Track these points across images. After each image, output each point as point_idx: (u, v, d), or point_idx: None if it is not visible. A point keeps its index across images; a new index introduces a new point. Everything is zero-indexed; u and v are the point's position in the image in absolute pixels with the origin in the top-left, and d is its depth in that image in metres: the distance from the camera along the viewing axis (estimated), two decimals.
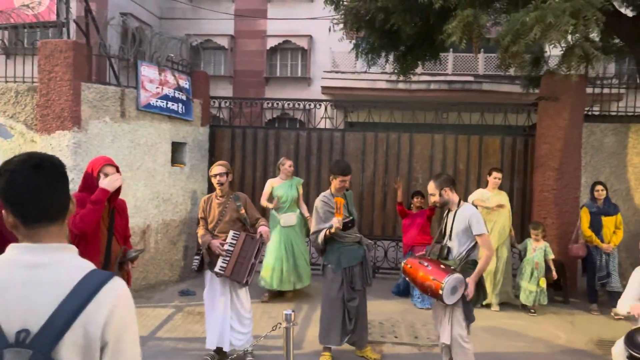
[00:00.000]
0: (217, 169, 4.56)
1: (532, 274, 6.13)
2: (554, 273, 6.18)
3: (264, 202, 6.44)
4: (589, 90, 7.24)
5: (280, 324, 3.13)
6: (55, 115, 5.91)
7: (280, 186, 6.42)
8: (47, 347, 1.20)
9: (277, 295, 6.59)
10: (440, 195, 4.05)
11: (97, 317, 1.25)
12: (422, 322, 5.84)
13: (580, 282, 6.78)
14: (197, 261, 4.61)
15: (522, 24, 5.08)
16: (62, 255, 1.33)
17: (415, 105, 8.34)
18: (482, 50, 13.80)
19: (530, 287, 6.12)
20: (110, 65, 6.94)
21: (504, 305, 6.43)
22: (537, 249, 6.20)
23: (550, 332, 5.64)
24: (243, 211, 4.56)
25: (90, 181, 3.22)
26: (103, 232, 3.26)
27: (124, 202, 3.55)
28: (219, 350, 4.55)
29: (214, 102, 8.14)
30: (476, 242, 3.98)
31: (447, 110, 8.16)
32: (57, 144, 5.92)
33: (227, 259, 4.39)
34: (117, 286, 1.33)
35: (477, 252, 4.06)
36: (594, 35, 5.57)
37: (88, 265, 1.35)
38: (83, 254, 2.83)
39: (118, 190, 3.35)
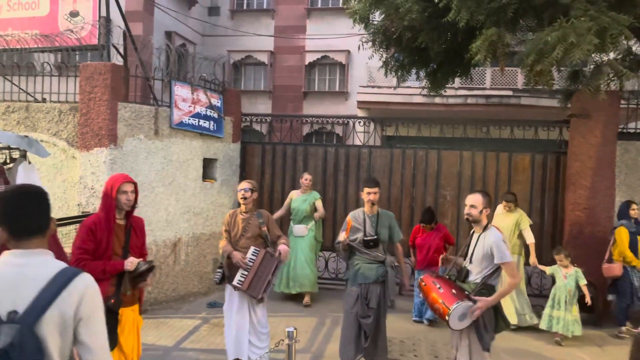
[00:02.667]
0: (243, 184, 4.75)
1: (564, 301, 5.85)
2: (588, 297, 5.88)
3: (277, 214, 7.05)
4: (623, 106, 7.03)
5: (283, 340, 3.22)
6: (94, 133, 6.28)
7: (297, 199, 7.05)
8: (31, 323, 1.62)
9: (289, 298, 7.14)
10: (481, 212, 3.96)
11: (70, 300, 1.69)
12: (443, 341, 5.78)
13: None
14: (219, 274, 4.75)
15: (544, 43, 5.03)
16: (42, 258, 1.77)
17: (449, 120, 8.30)
18: (521, 64, 13.53)
19: (564, 315, 5.83)
20: (148, 85, 7.30)
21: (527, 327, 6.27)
22: (569, 276, 5.92)
23: (576, 356, 5.48)
24: (265, 228, 4.69)
25: (108, 201, 3.33)
26: (116, 252, 3.33)
27: (142, 221, 3.65)
28: None
29: (245, 118, 8.40)
30: (496, 269, 3.89)
31: (478, 125, 8.05)
32: (95, 160, 6.28)
33: (246, 273, 4.53)
34: (85, 279, 1.77)
35: (495, 278, 3.97)
36: (623, 53, 5.44)
37: (61, 265, 1.77)
38: (94, 272, 3.01)
39: (133, 208, 3.48)
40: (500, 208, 6.66)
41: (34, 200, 1.79)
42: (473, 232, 4.11)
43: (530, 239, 6.32)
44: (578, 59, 4.83)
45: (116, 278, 3.29)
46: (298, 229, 7.05)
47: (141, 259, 3.38)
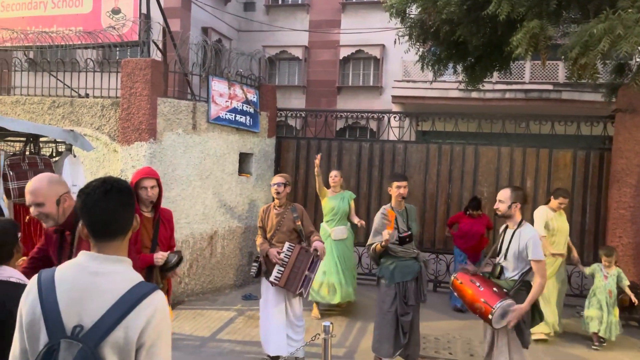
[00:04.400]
0: (276, 178, 4.78)
1: (605, 302, 5.61)
2: (634, 297, 5.63)
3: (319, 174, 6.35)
4: None
5: (319, 335, 3.23)
6: (135, 128, 6.43)
7: (333, 197, 6.36)
8: (94, 343, 1.46)
9: (327, 309, 6.55)
10: (509, 207, 3.91)
11: (136, 324, 1.51)
12: (479, 339, 5.68)
13: None
14: (255, 267, 4.81)
15: (590, 35, 4.87)
16: (118, 267, 1.61)
17: (487, 115, 8.14)
18: (562, 57, 13.16)
19: (606, 317, 5.57)
20: (186, 80, 7.42)
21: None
22: (610, 276, 5.67)
23: (616, 358, 5.31)
24: (299, 223, 4.72)
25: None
26: (145, 245, 3.41)
27: (170, 213, 3.70)
28: (274, 357, 4.73)
29: (280, 113, 8.45)
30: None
31: (517, 120, 7.86)
32: (135, 154, 6.43)
33: (282, 269, 4.56)
34: (155, 300, 1.58)
35: (532, 275, 3.92)
36: None
37: (137, 277, 1.62)
38: None
39: (159, 200, 3.53)
40: (545, 209, 5.72)
41: (117, 198, 1.64)
42: (505, 228, 4.04)
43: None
44: (625, 51, 4.65)
45: (146, 271, 3.36)
46: (339, 231, 6.26)
47: (169, 251, 3.44)
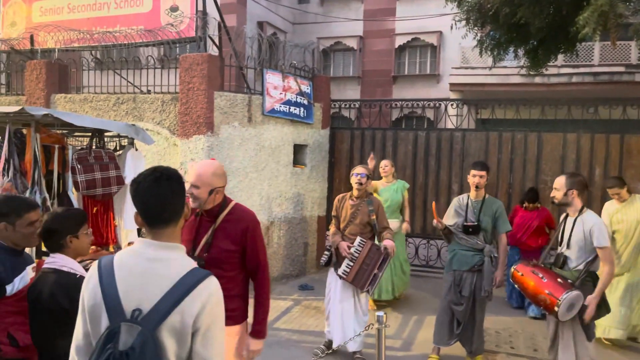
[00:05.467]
0: (359, 169, 4.65)
1: None
2: None
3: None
4: None
5: (373, 324, 3.20)
6: (193, 122, 6.61)
7: (385, 189, 6.23)
8: (152, 326, 1.52)
9: (380, 301, 6.42)
10: (565, 194, 3.74)
11: (192, 309, 1.56)
12: (544, 334, 5.46)
13: None
14: (326, 257, 4.74)
15: None
16: (172, 254, 1.66)
17: (551, 101, 7.75)
18: (634, 36, 12.32)
19: None
20: (241, 74, 7.55)
21: None
22: None
23: None
24: (374, 217, 4.58)
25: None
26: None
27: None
28: (329, 345, 4.74)
29: (334, 104, 8.42)
30: (597, 254, 3.66)
31: (585, 105, 7.44)
32: (194, 147, 6.62)
33: (351, 264, 4.46)
34: (210, 285, 1.63)
35: (597, 264, 3.72)
36: None
37: (190, 264, 1.67)
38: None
39: None
40: (608, 207, 5.29)
41: (167, 185, 1.67)
42: (566, 216, 3.85)
43: None
44: None
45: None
46: (391, 224, 6.00)
47: None
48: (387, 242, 4.46)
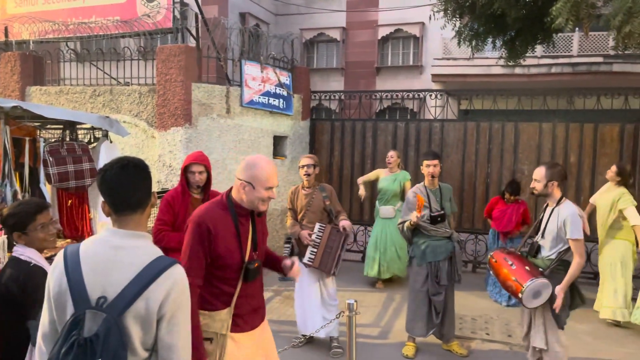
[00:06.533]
0: (304, 160, 4.77)
1: None
2: None
3: (360, 180, 6.80)
4: None
5: (343, 312, 3.24)
6: (171, 113, 6.57)
7: (384, 178, 6.67)
8: (117, 313, 1.55)
9: (385, 282, 6.88)
10: (546, 186, 3.78)
11: (157, 295, 1.59)
12: (518, 320, 5.57)
13: None
14: (287, 249, 4.86)
15: (633, 1, 4.57)
16: (139, 242, 1.69)
17: (527, 91, 7.84)
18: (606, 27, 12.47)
19: None
20: (220, 65, 7.51)
21: None
22: None
23: None
24: (328, 202, 4.72)
25: (181, 178, 3.57)
26: None
27: (219, 194, 3.80)
28: (310, 336, 4.78)
29: (315, 95, 8.42)
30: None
31: (560, 96, 7.53)
32: (172, 139, 6.59)
33: (315, 250, 4.57)
34: (174, 273, 1.65)
35: (571, 254, 3.78)
36: None
37: (156, 252, 1.70)
38: (172, 242, 3.22)
39: (208, 183, 3.64)
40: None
41: (133, 172, 1.71)
42: (546, 206, 3.91)
43: (633, 220, 5.25)
44: None
45: None
46: (385, 210, 6.61)
47: None
48: (344, 222, 4.58)
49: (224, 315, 2.41)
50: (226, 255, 2.36)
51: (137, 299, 1.56)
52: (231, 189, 2.53)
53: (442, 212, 4.52)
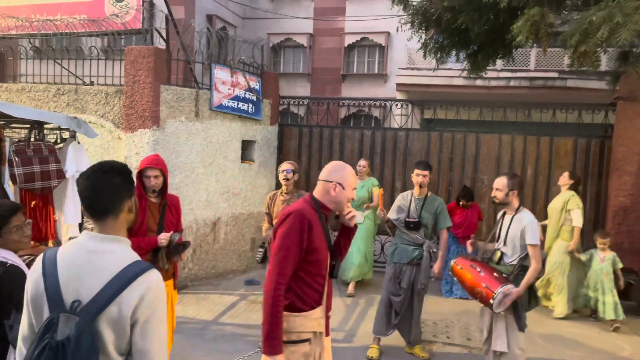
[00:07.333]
0: (285, 165, 4.85)
1: (600, 284, 5.86)
2: (622, 282, 5.88)
3: None
4: None
5: None
6: (138, 115, 6.51)
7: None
8: (90, 317, 1.55)
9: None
10: (507, 195, 3.96)
11: (130, 300, 1.59)
12: (476, 324, 5.78)
13: None
14: (260, 253, 4.90)
15: (589, 23, 4.87)
16: (115, 246, 1.69)
17: (489, 103, 8.15)
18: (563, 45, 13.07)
19: (602, 298, 5.83)
20: (189, 68, 7.48)
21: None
22: (606, 259, 5.88)
23: (614, 344, 5.38)
24: None
25: (137, 181, 3.45)
26: (151, 228, 3.48)
27: (177, 199, 3.76)
28: None
29: (283, 101, 8.49)
30: None
31: (519, 108, 7.88)
32: (139, 141, 6.52)
33: None
34: (149, 278, 1.65)
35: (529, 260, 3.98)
36: None
37: (132, 256, 1.69)
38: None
39: (165, 187, 3.56)
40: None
41: (113, 177, 1.71)
42: (503, 214, 4.10)
43: (576, 221, 5.98)
44: (624, 39, 4.64)
45: (152, 254, 3.44)
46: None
47: (172, 231, 3.50)
48: None
49: (319, 314, 2.46)
50: (320, 249, 2.43)
51: (110, 304, 1.56)
52: (311, 193, 2.65)
53: (417, 220, 4.68)
